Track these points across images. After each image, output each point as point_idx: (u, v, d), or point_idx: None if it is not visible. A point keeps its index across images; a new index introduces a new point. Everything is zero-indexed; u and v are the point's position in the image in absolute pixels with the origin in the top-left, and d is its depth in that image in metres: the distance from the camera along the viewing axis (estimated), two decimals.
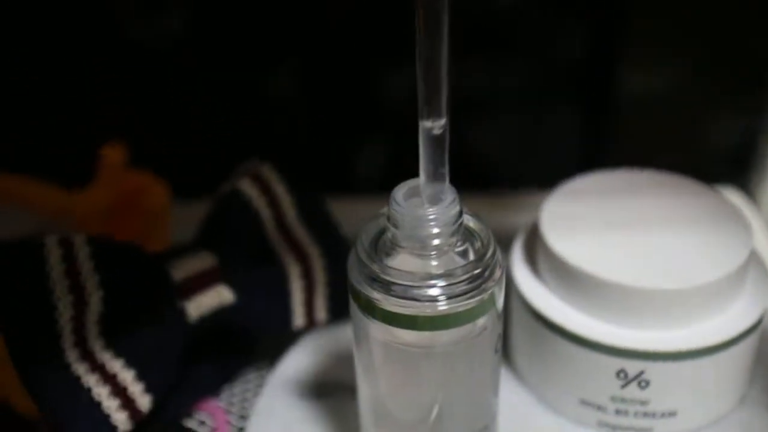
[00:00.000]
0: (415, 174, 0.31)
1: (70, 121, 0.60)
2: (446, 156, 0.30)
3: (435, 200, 0.30)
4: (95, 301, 0.35)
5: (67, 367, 0.35)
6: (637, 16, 0.64)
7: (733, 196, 0.54)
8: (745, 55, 0.63)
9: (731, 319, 0.36)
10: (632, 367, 0.36)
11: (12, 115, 0.60)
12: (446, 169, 0.30)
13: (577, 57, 0.65)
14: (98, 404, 0.35)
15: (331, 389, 0.41)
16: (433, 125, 0.29)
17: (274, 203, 0.41)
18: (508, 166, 0.70)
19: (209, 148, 0.62)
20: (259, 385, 0.43)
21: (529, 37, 0.64)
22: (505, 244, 0.32)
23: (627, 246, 0.37)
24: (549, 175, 0.44)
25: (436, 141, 0.29)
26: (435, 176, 0.30)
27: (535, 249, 0.39)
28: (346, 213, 0.43)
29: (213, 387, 0.42)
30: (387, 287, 0.30)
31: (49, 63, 0.59)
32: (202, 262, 0.39)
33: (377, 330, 0.31)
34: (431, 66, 0.27)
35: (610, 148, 0.70)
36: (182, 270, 0.38)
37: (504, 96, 0.66)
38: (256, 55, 0.62)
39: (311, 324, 0.42)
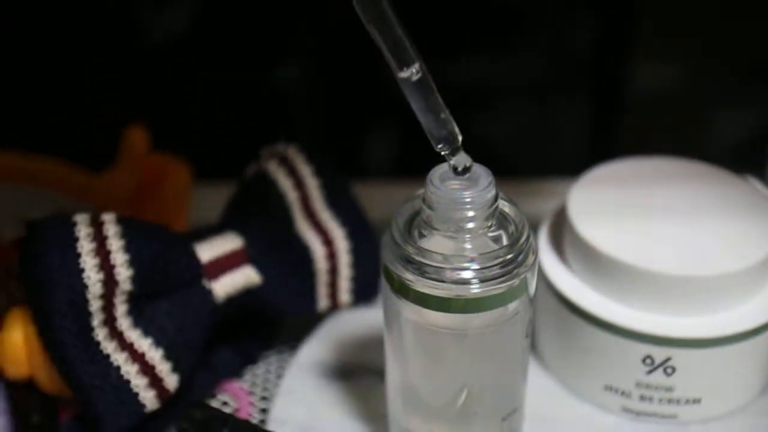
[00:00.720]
0: (427, 158, 0.31)
1: (95, 104, 0.60)
2: (439, 99, 0.29)
3: (462, 167, 0.30)
4: (124, 279, 0.35)
5: (96, 344, 0.35)
6: (648, 10, 0.64)
7: (757, 184, 0.54)
8: (756, 47, 0.63)
9: (758, 306, 0.36)
10: (659, 353, 0.36)
11: (38, 99, 0.61)
12: (447, 113, 0.29)
13: (590, 50, 0.66)
14: (127, 382, 0.35)
15: (356, 371, 0.41)
16: (409, 73, 0.28)
17: (300, 185, 0.41)
18: (519, 156, 0.70)
19: (228, 132, 0.62)
20: (282, 367, 0.43)
21: (542, 31, 0.65)
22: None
23: (655, 232, 0.37)
24: (560, 166, 0.44)
25: (421, 88, 0.29)
26: (439, 124, 0.29)
27: (562, 235, 0.40)
28: (360, 196, 0.43)
29: (236, 368, 0.43)
30: (420, 269, 0.30)
31: (75, 49, 0.59)
32: (229, 243, 0.39)
33: (409, 311, 0.31)
34: (380, 21, 0.27)
35: (621, 140, 0.70)
36: (209, 251, 0.38)
37: (516, 88, 0.66)
38: (274, 43, 0.62)
39: (335, 306, 0.42)
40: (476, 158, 0.31)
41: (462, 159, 0.30)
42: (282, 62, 0.64)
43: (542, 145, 0.69)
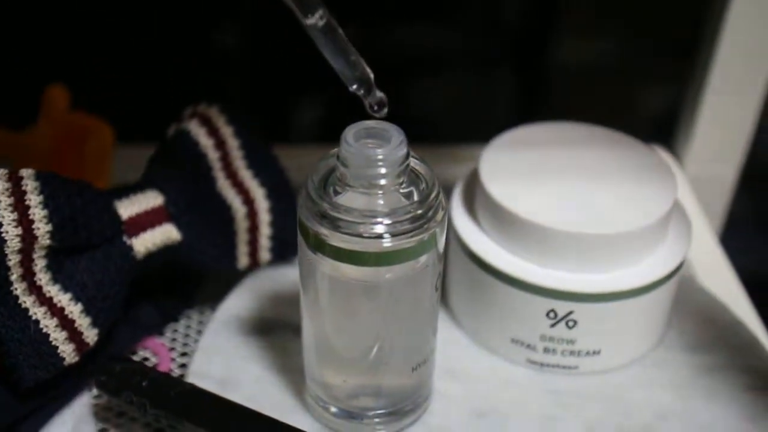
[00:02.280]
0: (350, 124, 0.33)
1: (15, 62, 0.59)
2: (348, 43, 0.31)
3: (377, 103, 0.32)
4: (43, 234, 0.35)
5: (15, 298, 0.35)
6: None
7: (660, 152, 0.57)
8: (676, 25, 0.66)
9: (654, 264, 0.39)
10: (561, 307, 0.38)
11: None
12: (357, 55, 0.31)
13: (517, 22, 0.67)
14: (46, 335, 0.36)
15: (274, 327, 0.42)
16: (315, 19, 0.30)
17: (221, 145, 0.42)
18: (446, 123, 0.71)
19: (153, 93, 0.62)
20: (202, 324, 0.44)
21: (471, 3, 0.66)
22: (445, 193, 0.33)
23: (560, 193, 0.39)
24: (485, 134, 0.46)
25: (327, 32, 0.30)
26: (350, 66, 0.31)
27: (474, 195, 0.41)
28: (285, 160, 0.44)
29: (157, 325, 0.43)
30: (335, 223, 0.31)
31: None
32: (149, 200, 0.40)
33: (324, 266, 0.33)
34: None
35: (545, 111, 0.72)
36: (130, 207, 0.39)
37: (445, 58, 0.68)
38: (205, 6, 0.62)
39: (255, 264, 0.43)
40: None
41: (377, 96, 0.31)
42: (211, 25, 0.64)
43: (469, 115, 0.71)
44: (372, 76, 0.31)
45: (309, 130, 0.70)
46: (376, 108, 0.31)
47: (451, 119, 0.71)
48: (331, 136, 0.33)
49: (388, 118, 0.32)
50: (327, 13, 0.30)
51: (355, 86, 0.31)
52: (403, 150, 0.32)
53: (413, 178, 0.33)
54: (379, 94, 0.31)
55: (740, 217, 0.65)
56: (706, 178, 0.58)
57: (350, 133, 0.32)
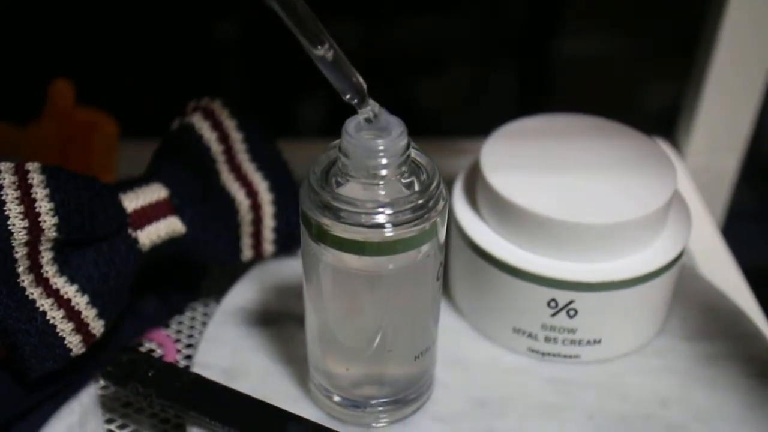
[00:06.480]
0: None
1: (20, 58, 0.60)
2: (351, 68, 0.31)
3: (373, 114, 0.32)
4: (49, 227, 0.36)
5: (22, 290, 0.36)
6: None
7: (661, 144, 0.57)
8: (679, 19, 0.66)
9: (654, 253, 0.39)
10: (562, 296, 0.38)
11: None
12: (359, 77, 0.31)
13: (521, 18, 0.67)
14: (53, 326, 0.36)
15: (278, 318, 0.42)
16: (322, 51, 0.30)
17: (224, 138, 0.42)
18: (449, 117, 0.72)
19: (157, 88, 0.62)
20: (207, 316, 0.45)
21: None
22: (447, 185, 0.34)
23: (561, 183, 0.39)
24: (487, 128, 0.46)
25: (334, 63, 0.31)
26: (353, 87, 0.31)
27: (475, 186, 0.42)
28: (289, 155, 0.45)
29: (162, 317, 0.44)
30: (337, 214, 0.32)
31: None
32: (154, 193, 0.40)
33: (327, 256, 0.33)
34: (288, 8, 0.29)
35: (547, 105, 0.72)
36: (135, 200, 0.39)
37: (449, 54, 0.68)
38: (208, 1, 0.63)
39: (259, 256, 0.44)
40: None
41: (371, 106, 0.32)
42: (215, 20, 0.64)
43: (472, 109, 0.71)
44: (365, 86, 0.32)
45: (312, 124, 0.70)
46: (372, 118, 0.32)
47: (454, 113, 0.71)
48: (334, 130, 0.33)
49: (391, 111, 0.33)
50: (333, 43, 0.30)
51: (348, 96, 0.32)
52: (404, 141, 0.32)
53: (414, 168, 0.33)
54: (373, 102, 0.32)
55: (742, 209, 0.65)
56: (707, 169, 0.58)
57: (351, 124, 0.32)
